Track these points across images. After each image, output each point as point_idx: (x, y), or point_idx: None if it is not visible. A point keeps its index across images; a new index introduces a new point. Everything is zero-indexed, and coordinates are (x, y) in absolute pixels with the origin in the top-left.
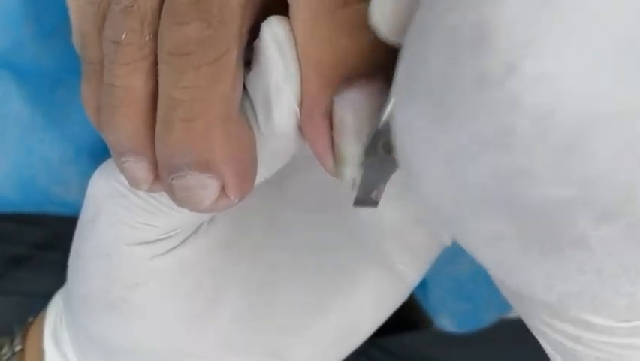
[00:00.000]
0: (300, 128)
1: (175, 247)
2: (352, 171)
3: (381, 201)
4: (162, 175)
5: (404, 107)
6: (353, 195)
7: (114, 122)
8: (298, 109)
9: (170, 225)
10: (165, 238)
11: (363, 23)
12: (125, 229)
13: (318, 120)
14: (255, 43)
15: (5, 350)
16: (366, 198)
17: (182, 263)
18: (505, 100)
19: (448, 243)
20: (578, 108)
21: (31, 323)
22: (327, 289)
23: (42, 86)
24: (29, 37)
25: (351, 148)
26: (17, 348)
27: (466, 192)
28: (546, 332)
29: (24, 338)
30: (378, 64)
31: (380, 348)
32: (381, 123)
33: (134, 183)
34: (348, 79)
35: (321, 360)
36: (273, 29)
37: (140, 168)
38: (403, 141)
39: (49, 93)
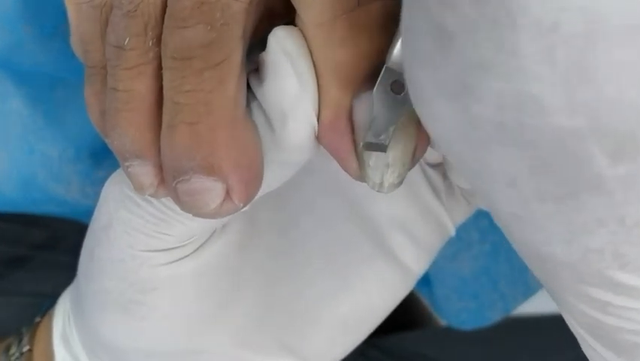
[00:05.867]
0: (318, 139)
1: (191, 253)
2: (378, 171)
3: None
4: (167, 179)
5: (409, 37)
6: (362, 188)
7: (118, 127)
8: (316, 121)
9: (186, 233)
10: (181, 246)
11: (377, 22)
12: (140, 236)
13: (341, 125)
14: (262, 55)
15: (13, 350)
16: (376, 141)
17: (198, 267)
18: (504, 14)
19: (452, 233)
20: (583, 21)
21: (39, 322)
22: (337, 282)
23: (42, 86)
24: (29, 37)
25: None
26: (25, 348)
27: (475, 126)
28: (573, 305)
29: (32, 338)
30: None
31: (378, 348)
32: (391, 62)
33: (138, 187)
34: (366, 79)
35: (331, 351)
36: (282, 41)
37: (145, 172)
38: (411, 75)
39: (49, 92)
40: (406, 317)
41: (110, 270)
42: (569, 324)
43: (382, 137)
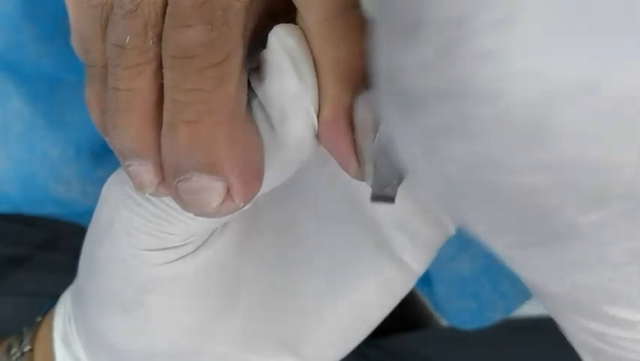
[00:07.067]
0: (318, 137)
1: (191, 252)
2: None
3: None
4: (168, 178)
5: (379, 96)
6: (361, 187)
7: (119, 126)
8: (316, 119)
9: (187, 232)
10: (182, 245)
11: None
12: (141, 236)
13: (341, 124)
14: (263, 53)
15: (14, 349)
16: (381, 193)
17: (199, 266)
18: (453, 82)
19: (452, 232)
20: (531, 87)
21: (40, 322)
22: (337, 281)
23: (42, 86)
24: (29, 38)
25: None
26: (26, 348)
27: (448, 185)
28: (573, 331)
29: (33, 338)
30: None
31: (378, 348)
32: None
33: (139, 186)
34: (366, 79)
35: (332, 351)
36: (282, 40)
37: (146, 171)
38: (387, 132)
39: (49, 92)
40: (406, 317)
41: (110, 270)
42: (571, 343)
43: (387, 189)
